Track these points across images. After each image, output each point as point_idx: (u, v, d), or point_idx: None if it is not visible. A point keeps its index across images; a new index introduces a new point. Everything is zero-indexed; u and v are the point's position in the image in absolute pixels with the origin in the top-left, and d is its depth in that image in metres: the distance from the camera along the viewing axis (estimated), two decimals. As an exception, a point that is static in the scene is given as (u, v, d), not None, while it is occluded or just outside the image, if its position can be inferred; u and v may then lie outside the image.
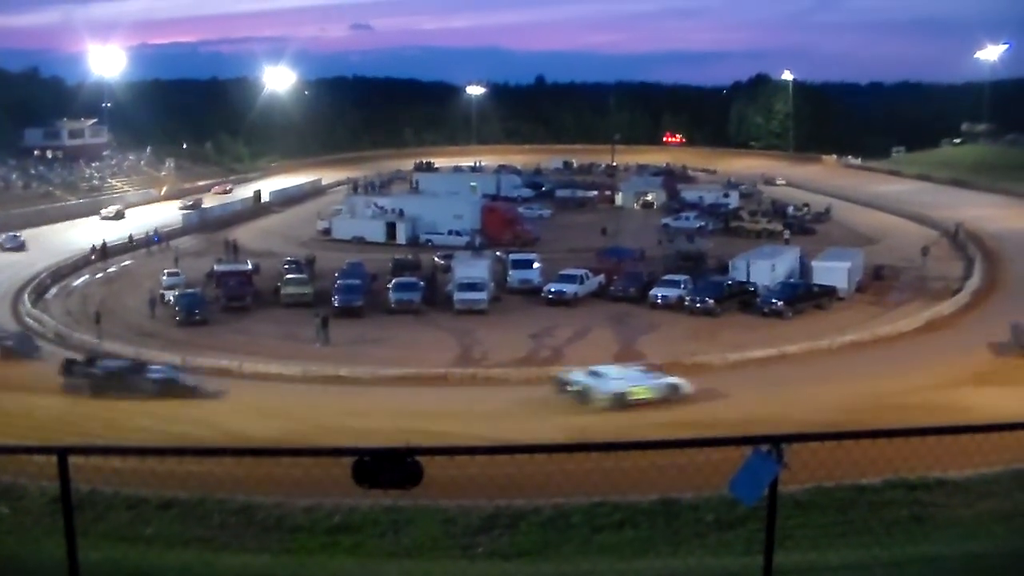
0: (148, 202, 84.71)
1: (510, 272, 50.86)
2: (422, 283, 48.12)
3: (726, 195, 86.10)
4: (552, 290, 47.28)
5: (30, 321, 43.38)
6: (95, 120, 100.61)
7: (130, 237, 64.29)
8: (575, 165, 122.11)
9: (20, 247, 61.76)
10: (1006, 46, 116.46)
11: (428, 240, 64.83)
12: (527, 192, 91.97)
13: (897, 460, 6.65)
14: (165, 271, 51.58)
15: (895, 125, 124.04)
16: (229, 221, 76.06)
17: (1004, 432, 5.30)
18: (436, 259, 55.73)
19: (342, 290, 45.86)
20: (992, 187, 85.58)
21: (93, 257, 58.48)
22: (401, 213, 69.61)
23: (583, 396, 30.36)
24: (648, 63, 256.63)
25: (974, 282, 50.06)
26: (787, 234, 65.45)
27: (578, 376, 31.32)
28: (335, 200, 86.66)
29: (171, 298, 45.52)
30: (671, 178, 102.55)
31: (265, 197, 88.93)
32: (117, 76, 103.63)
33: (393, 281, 47.92)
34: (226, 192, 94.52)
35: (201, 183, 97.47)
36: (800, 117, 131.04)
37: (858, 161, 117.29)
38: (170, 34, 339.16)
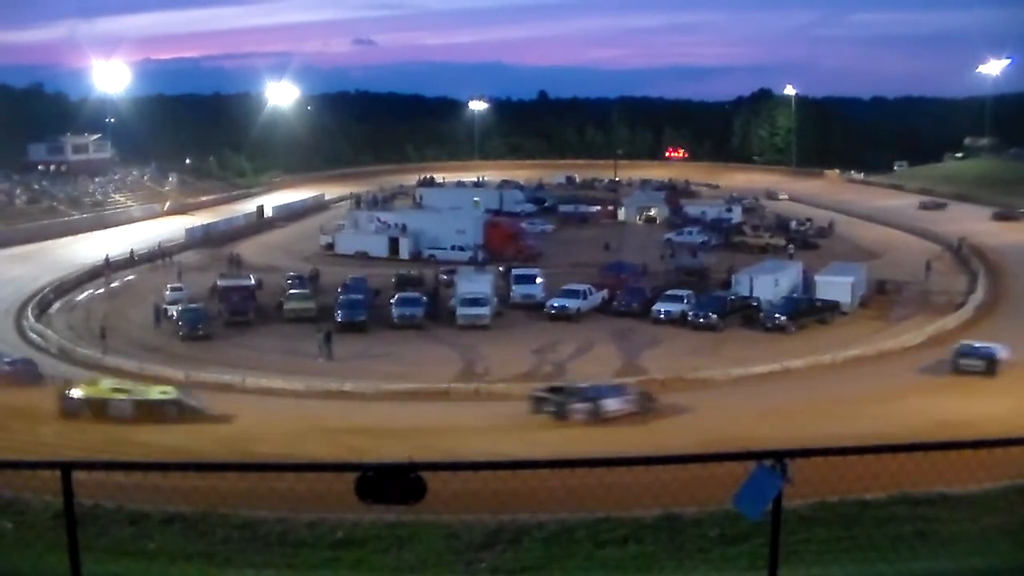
0: (151, 217, 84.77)
1: (513, 287, 50.80)
2: (425, 298, 48.14)
3: (729, 210, 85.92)
4: (555, 305, 47.23)
5: (34, 336, 43.40)
6: (99, 135, 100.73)
7: (132, 252, 64.24)
8: (578, 180, 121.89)
9: None
10: (1008, 60, 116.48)
11: (431, 255, 64.80)
12: (530, 207, 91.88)
13: (901, 475, 6.61)
14: (168, 286, 51.44)
15: (898, 139, 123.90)
16: (232, 236, 76.10)
17: (1009, 447, 5.29)
18: (439, 274, 55.71)
19: (345, 305, 45.84)
20: (995, 201, 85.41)
21: (106, 270, 58.09)
22: (404, 228, 69.59)
23: None
24: (650, 78, 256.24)
25: (977, 296, 50.05)
26: (791, 248, 65.37)
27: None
28: (338, 215, 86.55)
29: (174, 313, 45.51)
30: (674, 193, 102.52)
31: (268, 212, 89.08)
32: (121, 91, 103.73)
33: (396, 296, 47.96)
34: None
35: (204, 198, 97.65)
36: (803, 132, 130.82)
37: (861, 175, 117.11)
38: (173, 49, 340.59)
